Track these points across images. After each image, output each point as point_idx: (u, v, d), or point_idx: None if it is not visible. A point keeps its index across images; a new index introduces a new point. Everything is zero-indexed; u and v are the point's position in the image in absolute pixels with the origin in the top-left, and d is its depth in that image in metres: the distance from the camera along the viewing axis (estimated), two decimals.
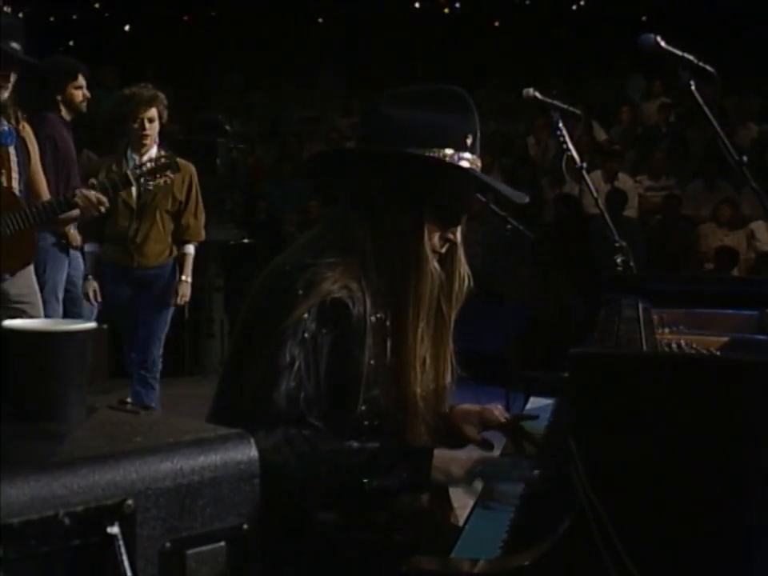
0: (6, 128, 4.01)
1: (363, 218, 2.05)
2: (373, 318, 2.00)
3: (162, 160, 4.42)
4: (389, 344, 2.02)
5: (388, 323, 2.03)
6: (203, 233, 5.41)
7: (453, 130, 2.04)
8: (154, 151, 5.06)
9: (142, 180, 4.37)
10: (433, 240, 2.05)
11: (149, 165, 4.38)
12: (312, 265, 1.98)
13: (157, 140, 5.11)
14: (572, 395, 1.79)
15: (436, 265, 2.06)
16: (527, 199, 2.25)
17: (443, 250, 2.09)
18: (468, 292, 2.15)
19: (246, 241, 8.03)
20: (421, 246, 2.03)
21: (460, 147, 2.04)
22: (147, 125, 5.00)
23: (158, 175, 4.38)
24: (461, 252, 2.13)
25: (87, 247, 5.34)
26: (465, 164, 2.04)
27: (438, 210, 2.05)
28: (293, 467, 1.89)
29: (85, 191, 4.18)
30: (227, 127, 7.22)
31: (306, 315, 1.93)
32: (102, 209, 4.26)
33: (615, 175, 9.14)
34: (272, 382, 1.90)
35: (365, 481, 1.92)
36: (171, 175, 4.46)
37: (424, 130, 2.02)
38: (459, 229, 2.11)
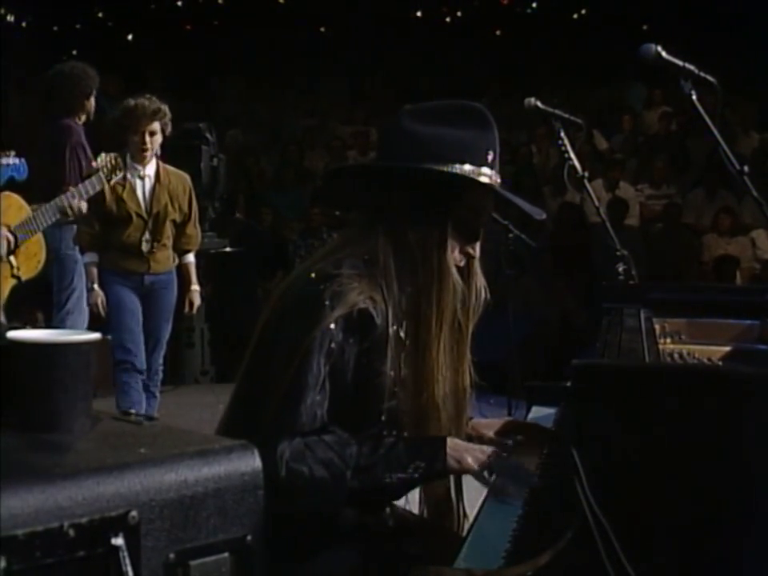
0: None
1: (384, 232, 2.06)
2: (393, 330, 2.01)
3: (114, 161, 4.64)
4: (408, 356, 2.04)
5: (406, 335, 2.04)
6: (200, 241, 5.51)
7: (473, 145, 2.05)
8: (154, 162, 5.10)
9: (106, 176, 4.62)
10: (453, 254, 2.07)
11: (113, 162, 4.62)
12: (337, 275, 1.99)
13: (159, 152, 5.11)
14: (574, 406, 1.79)
15: (458, 278, 2.07)
16: (545, 215, 2.26)
17: (461, 264, 2.10)
18: (485, 304, 2.17)
19: (227, 249, 8.01)
20: (444, 260, 2.04)
21: (480, 163, 2.05)
22: (148, 138, 4.96)
23: (113, 176, 4.63)
24: (477, 265, 2.15)
25: (86, 258, 5.26)
26: (485, 179, 2.06)
27: (459, 225, 2.07)
28: (317, 474, 1.90)
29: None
30: (208, 135, 7.21)
31: (332, 326, 1.94)
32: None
33: (616, 184, 9.16)
34: (297, 395, 1.92)
35: (386, 476, 1.94)
36: (115, 177, 4.69)
37: (445, 146, 2.03)
38: (477, 242, 2.13)
